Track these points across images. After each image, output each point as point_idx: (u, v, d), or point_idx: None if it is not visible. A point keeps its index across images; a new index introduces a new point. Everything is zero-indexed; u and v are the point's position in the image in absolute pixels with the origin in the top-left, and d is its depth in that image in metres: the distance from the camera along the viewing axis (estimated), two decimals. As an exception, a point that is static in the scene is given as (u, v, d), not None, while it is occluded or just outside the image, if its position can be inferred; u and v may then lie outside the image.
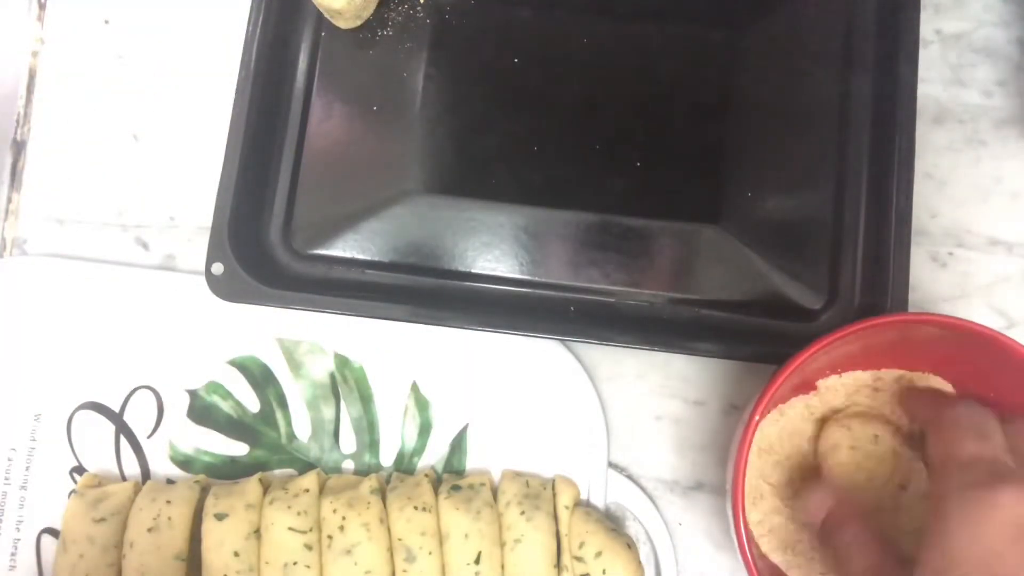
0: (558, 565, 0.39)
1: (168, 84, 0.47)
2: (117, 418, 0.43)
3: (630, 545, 0.39)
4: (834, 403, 0.39)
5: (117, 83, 0.47)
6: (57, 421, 0.43)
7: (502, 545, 0.39)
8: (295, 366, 0.43)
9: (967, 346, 0.35)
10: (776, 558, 0.38)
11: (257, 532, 0.39)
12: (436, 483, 0.41)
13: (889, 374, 0.39)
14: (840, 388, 0.39)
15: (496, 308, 0.42)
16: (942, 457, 0.32)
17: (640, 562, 0.39)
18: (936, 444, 0.33)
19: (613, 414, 0.43)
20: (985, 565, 0.28)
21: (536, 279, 0.43)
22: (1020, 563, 0.28)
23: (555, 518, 0.40)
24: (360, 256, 0.43)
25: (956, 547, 0.29)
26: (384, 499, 0.40)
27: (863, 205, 0.43)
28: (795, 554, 0.38)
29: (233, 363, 0.44)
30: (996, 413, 0.33)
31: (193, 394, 0.43)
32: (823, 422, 0.39)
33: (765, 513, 0.38)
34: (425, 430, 0.43)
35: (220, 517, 0.39)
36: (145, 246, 0.46)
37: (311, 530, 0.39)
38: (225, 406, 0.43)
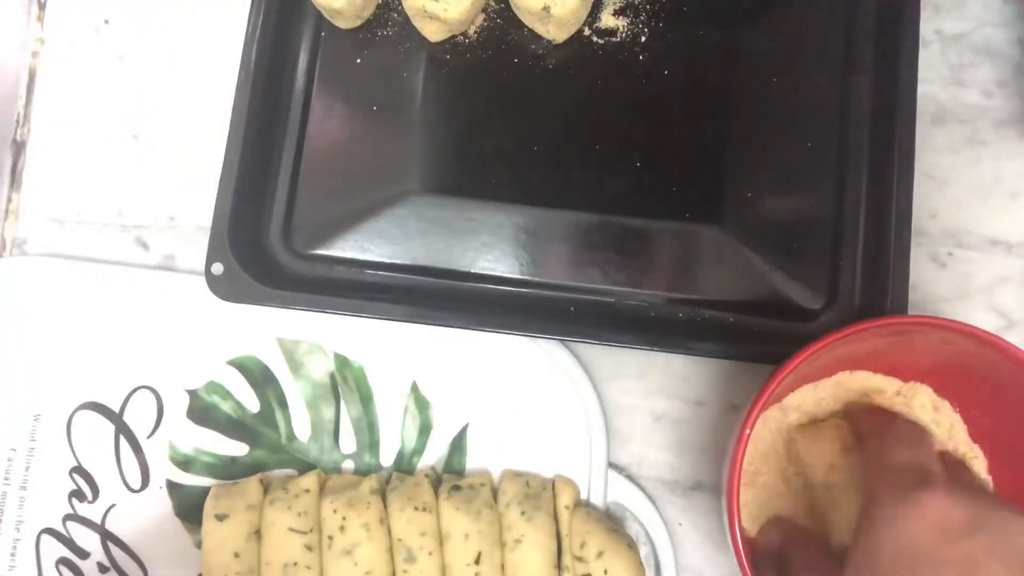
0: (558, 565, 0.39)
1: (168, 84, 0.47)
2: (117, 418, 0.43)
3: (631, 545, 0.39)
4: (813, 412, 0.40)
5: (117, 83, 0.47)
6: (57, 421, 0.43)
7: (502, 545, 0.39)
8: (295, 366, 0.43)
9: (968, 349, 0.35)
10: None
11: (257, 533, 0.39)
12: (436, 483, 0.41)
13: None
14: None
15: (496, 308, 0.42)
16: (876, 462, 0.33)
17: (641, 562, 0.39)
18: (872, 451, 0.34)
19: (613, 414, 0.43)
20: (907, 564, 0.29)
21: (536, 279, 0.43)
22: (940, 564, 0.29)
23: (555, 518, 0.40)
24: (360, 256, 0.43)
25: (880, 545, 0.30)
26: (384, 499, 0.40)
27: (863, 205, 0.43)
28: None
29: (233, 363, 0.43)
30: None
31: (193, 394, 0.43)
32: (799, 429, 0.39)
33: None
34: (425, 430, 0.43)
35: (220, 518, 0.39)
36: (145, 246, 0.46)
37: (311, 531, 0.39)
38: (225, 406, 0.43)
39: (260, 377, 0.43)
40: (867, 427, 0.37)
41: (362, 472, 0.43)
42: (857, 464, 0.37)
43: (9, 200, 0.46)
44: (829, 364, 0.39)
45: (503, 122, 0.44)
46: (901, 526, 0.30)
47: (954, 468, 0.38)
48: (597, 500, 0.42)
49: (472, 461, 0.43)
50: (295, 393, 0.43)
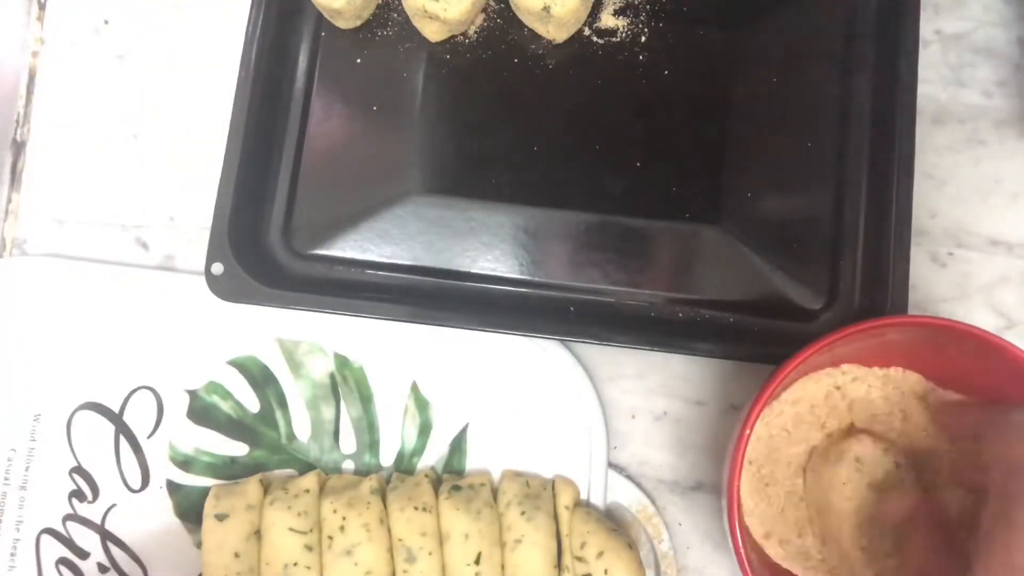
0: (558, 565, 0.39)
1: (168, 84, 0.47)
2: (117, 418, 0.43)
3: (631, 545, 0.39)
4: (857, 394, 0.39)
5: (117, 83, 0.47)
6: (57, 421, 0.43)
7: (502, 545, 0.39)
8: (295, 366, 0.43)
9: (967, 349, 0.35)
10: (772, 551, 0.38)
11: (257, 533, 0.39)
12: (436, 483, 0.41)
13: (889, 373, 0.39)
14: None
15: (496, 308, 0.42)
16: (1008, 461, 0.31)
17: (641, 562, 0.39)
18: (997, 447, 0.32)
19: (613, 414, 0.43)
20: None
21: (536, 279, 0.43)
22: None
23: (555, 518, 0.40)
24: (360, 256, 0.43)
25: None
26: (384, 499, 0.40)
27: (863, 205, 0.43)
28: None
29: (233, 363, 0.43)
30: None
31: (193, 394, 0.43)
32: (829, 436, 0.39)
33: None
34: (425, 430, 0.43)
35: (221, 518, 0.39)
36: (145, 246, 0.46)
37: (311, 531, 0.39)
38: (225, 406, 0.43)
39: (260, 377, 0.43)
40: (973, 421, 0.35)
41: (362, 472, 0.43)
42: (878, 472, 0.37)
43: (9, 200, 0.46)
44: (828, 365, 0.39)
45: (503, 122, 0.44)
46: None
47: None
48: (597, 500, 0.42)
49: (472, 461, 0.43)
50: (295, 393, 0.43)
